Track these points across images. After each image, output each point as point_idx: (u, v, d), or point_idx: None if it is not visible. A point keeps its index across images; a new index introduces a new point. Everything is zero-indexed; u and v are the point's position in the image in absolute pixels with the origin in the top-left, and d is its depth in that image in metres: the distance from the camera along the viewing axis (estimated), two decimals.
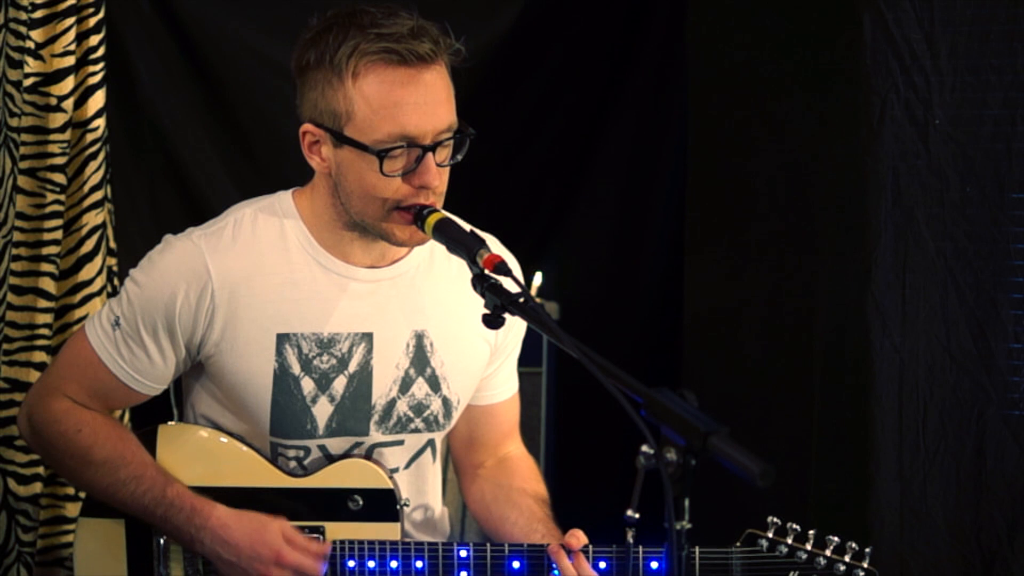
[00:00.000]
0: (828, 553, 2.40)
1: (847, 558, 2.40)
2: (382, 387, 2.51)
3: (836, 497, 3.26)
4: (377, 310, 2.49)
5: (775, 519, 2.41)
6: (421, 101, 2.31)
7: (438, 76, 2.34)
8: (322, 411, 2.49)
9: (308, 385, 2.47)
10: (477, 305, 2.18)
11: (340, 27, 2.33)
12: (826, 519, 3.15)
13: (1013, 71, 3.08)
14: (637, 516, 1.84)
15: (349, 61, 2.30)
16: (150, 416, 2.59)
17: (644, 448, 1.76)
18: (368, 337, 2.49)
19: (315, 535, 2.48)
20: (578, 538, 2.45)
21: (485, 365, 2.61)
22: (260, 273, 2.45)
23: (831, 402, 3.28)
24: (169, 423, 2.58)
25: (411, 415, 2.53)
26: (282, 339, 2.46)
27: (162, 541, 2.51)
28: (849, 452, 3.23)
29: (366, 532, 2.49)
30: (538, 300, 3.48)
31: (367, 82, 2.31)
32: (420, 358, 2.52)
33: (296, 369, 2.46)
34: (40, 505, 3.17)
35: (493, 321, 2.14)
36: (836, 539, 2.40)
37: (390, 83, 2.30)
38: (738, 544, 2.42)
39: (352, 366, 2.49)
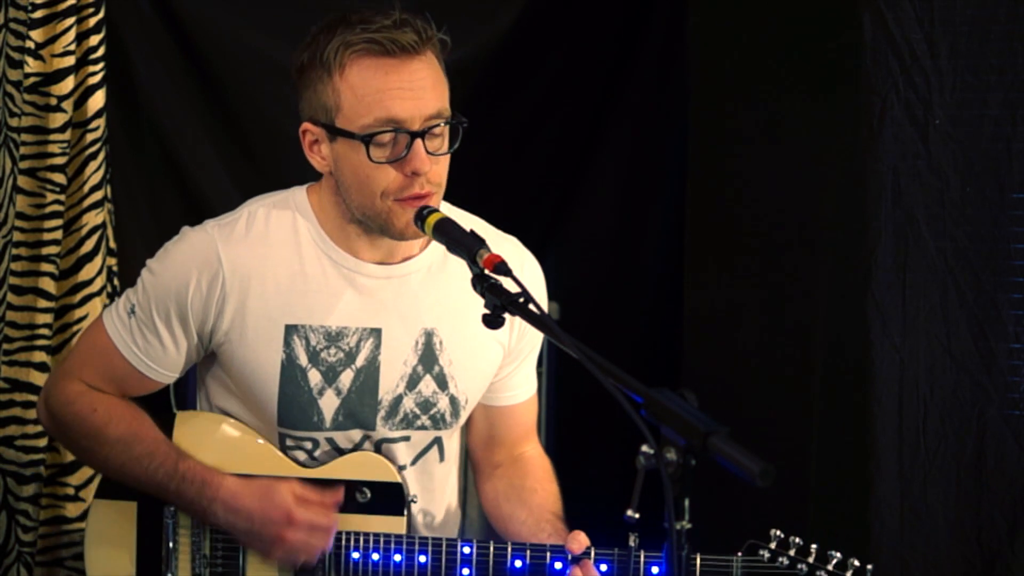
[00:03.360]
0: (830, 568, 2.40)
1: (848, 574, 2.40)
2: (389, 383, 2.52)
3: (836, 497, 3.25)
4: (387, 306, 2.51)
5: (778, 532, 2.42)
6: (406, 87, 2.35)
7: (424, 65, 2.37)
8: (328, 404, 2.50)
9: (315, 377, 2.49)
10: None
11: (331, 27, 2.40)
12: (826, 519, 3.16)
13: (1013, 71, 3.07)
14: (637, 516, 1.84)
15: (336, 56, 2.36)
16: (152, 409, 2.59)
17: (644, 448, 1.76)
18: (376, 332, 2.50)
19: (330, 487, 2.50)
20: (579, 541, 2.46)
21: (497, 366, 2.62)
22: (271, 265, 2.48)
23: (831, 402, 3.28)
24: (186, 410, 2.60)
25: (418, 412, 2.54)
26: (290, 330, 2.48)
27: (171, 524, 2.53)
28: (849, 452, 3.22)
29: (373, 525, 2.50)
30: None
31: (352, 72, 2.35)
32: (428, 356, 2.53)
33: (303, 360, 2.48)
34: (40, 505, 3.17)
35: (493, 321, 2.14)
36: (838, 555, 2.40)
37: (374, 71, 2.35)
38: (739, 554, 2.43)
39: (360, 360, 2.50)
